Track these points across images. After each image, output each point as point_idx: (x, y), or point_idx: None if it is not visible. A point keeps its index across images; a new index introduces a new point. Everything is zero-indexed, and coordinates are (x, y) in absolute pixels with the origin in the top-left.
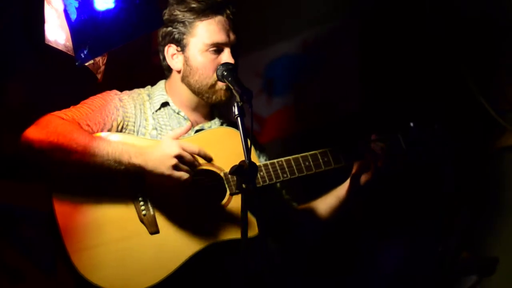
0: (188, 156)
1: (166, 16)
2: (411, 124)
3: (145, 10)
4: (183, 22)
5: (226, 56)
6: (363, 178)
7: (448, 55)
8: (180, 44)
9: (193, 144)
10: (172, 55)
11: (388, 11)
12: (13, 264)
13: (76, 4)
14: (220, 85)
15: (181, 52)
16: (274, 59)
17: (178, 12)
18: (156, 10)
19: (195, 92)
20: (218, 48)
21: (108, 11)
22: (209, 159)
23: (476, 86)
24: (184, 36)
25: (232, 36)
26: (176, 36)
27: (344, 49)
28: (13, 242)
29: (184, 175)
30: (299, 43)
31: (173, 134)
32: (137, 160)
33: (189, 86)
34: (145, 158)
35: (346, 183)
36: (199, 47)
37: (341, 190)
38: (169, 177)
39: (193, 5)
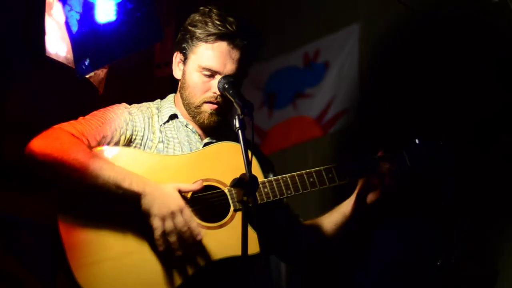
0: (183, 217)
1: (186, 22)
2: (417, 141)
3: (146, 23)
4: (191, 36)
5: (215, 84)
6: (370, 197)
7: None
8: (184, 55)
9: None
10: (178, 63)
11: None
12: (12, 272)
13: (78, 17)
14: (206, 108)
15: (183, 63)
16: (275, 72)
17: (193, 25)
18: (157, 23)
19: (185, 106)
20: (211, 73)
21: (109, 24)
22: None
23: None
24: (188, 50)
25: (230, 67)
26: (183, 46)
27: (345, 61)
28: (13, 251)
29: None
30: (300, 56)
31: (183, 187)
32: (137, 188)
33: (182, 99)
34: (144, 188)
35: (351, 200)
36: (194, 66)
37: (347, 207)
38: (155, 223)
39: (209, 28)
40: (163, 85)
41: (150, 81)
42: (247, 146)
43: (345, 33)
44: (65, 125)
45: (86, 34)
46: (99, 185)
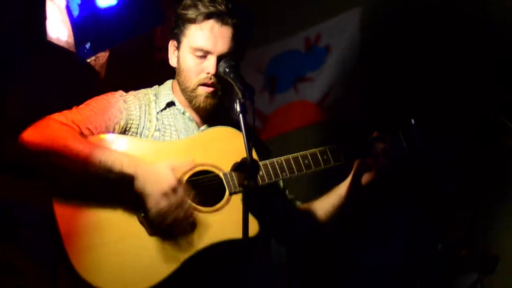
0: (178, 194)
1: (179, 8)
2: (412, 121)
3: (147, 7)
4: (183, 20)
5: (208, 64)
6: (365, 178)
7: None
8: (177, 41)
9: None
10: (173, 50)
11: (392, 8)
12: (13, 262)
13: (79, 1)
14: (201, 91)
15: (177, 49)
16: (276, 56)
17: (184, 8)
18: (158, 7)
19: (182, 92)
20: (203, 54)
21: (110, 8)
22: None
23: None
24: (180, 34)
25: (221, 46)
26: (176, 31)
27: (346, 46)
28: (13, 240)
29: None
30: (301, 40)
31: (173, 164)
32: (128, 169)
33: (179, 85)
34: (136, 169)
35: (347, 181)
36: (187, 48)
37: (343, 188)
38: (147, 199)
39: (199, 8)
40: (163, 69)
41: (151, 65)
42: (248, 130)
43: (346, 17)
44: (56, 115)
45: (87, 18)
46: (91, 171)
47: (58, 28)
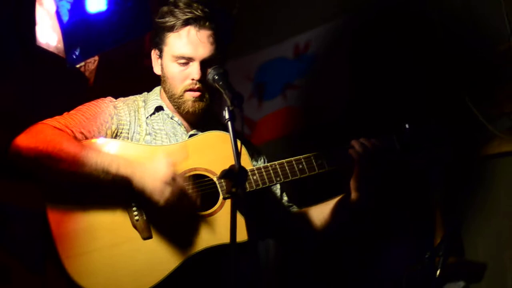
0: (178, 182)
1: (156, 17)
2: (406, 126)
3: (136, 13)
4: (162, 29)
5: (192, 70)
6: (364, 181)
7: (439, 61)
8: (159, 49)
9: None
10: (156, 59)
11: (381, 16)
12: (1, 261)
13: (68, 6)
14: (187, 96)
15: (160, 58)
16: (265, 63)
17: (161, 17)
18: (147, 13)
19: (169, 99)
20: (186, 61)
21: (100, 14)
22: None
23: (465, 92)
24: (161, 43)
25: (202, 50)
26: (157, 40)
27: (335, 53)
28: (2, 240)
29: (166, 199)
30: (290, 47)
31: (168, 155)
32: (125, 170)
33: (165, 92)
34: (133, 170)
35: (351, 185)
36: (169, 57)
37: (346, 196)
38: (150, 197)
39: (175, 16)
40: (152, 75)
41: (140, 71)
42: (237, 137)
43: (335, 25)
44: (48, 120)
45: (76, 24)
46: (87, 173)
47: (48, 34)
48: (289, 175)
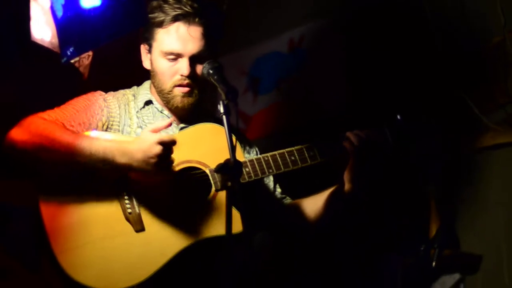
0: (168, 150)
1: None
2: (398, 117)
3: (131, 7)
4: (151, 24)
5: (181, 66)
6: (356, 172)
7: (433, 54)
8: (148, 44)
9: (171, 137)
10: (145, 53)
11: (375, 10)
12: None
13: (62, 1)
14: (177, 92)
15: (149, 53)
16: (260, 58)
17: (151, 12)
18: (142, 7)
19: (158, 94)
20: (175, 57)
21: (94, 9)
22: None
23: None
24: (150, 38)
25: (191, 46)
26: (146, 36)
27: (330, 48)
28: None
29: (166, 174)
30: (285, 41)
31: (153, 127)
32: (121, 159)
33: (154, 87)
34: (129, 157)
35: (345, 182)
36: (158, 52)
37: (339, 186)
38: (154, 175)
39: (164, 11)
40: (146, 69)
41: (135, 65)
42: (231, 130)
43: (330, 19)
44: (39, 114)
45: (71, 19)
46: (82, 162)
47: (42, 29)
48: (282, 166)
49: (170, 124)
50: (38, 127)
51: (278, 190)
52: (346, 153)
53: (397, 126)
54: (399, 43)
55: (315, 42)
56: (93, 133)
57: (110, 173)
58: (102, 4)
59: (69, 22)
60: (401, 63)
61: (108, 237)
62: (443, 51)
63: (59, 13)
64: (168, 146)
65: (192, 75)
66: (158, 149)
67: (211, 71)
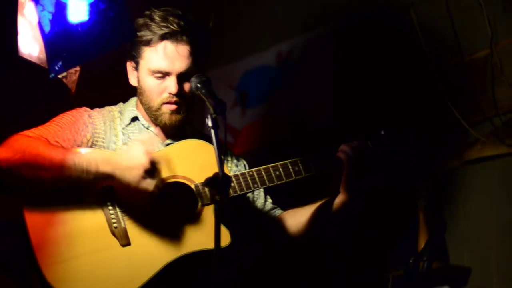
0: (154, 165)
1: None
2: (382, 132)
3: (118, 23)
4: (138, 42)
5: (169, 84)
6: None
7: (422, 67)
8: (135, 62)
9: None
10: (132, 70)
11: (363, 23)
12: None
13: (50, 17)
14: (164, 109)
15: (135, 70)
16: (248, 71)
17: (137, 30)
18: (129, 23)
19: (146, 111)
20: (162, 75)
21: (82, 24)
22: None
23: (447, 97)
24: (137, 56)
25: (179, 65)
26: (132, 53)
27: (318, 61)
28: None
29: (151, 185)
30: (273, 55)
31: (140, 140)
32: (104, 168)
33: (142, 104)
34: (112, 166)
35: (341, 192)
36: (145, 70)
37: (329, 201)
38: (136, 187)
39: (152, 30)
40: (132, 86)
41: (122, 81)
42: (220, 145)
43: (318, 32)
44: (23, 132)
45: (59, 34)
46: (66, 175)
47: (30, 44)
48: (267, 181)
49: (154, 137)
50: (21, 144)
51: (269, 201)
52: (340, 165)
53: (381, 141)
54: (387, 56)
55: (303, 55)
56: (80, 150)
57: (94, 184)
58: (90, 19)
59: (57, 37)
60: (389, 75)
61: (94, 251)
62: (431, 63)
63: (47, 28)
64: (153, 160)
65: (180, 92)
66: (143, 160)
67: (199, 85)
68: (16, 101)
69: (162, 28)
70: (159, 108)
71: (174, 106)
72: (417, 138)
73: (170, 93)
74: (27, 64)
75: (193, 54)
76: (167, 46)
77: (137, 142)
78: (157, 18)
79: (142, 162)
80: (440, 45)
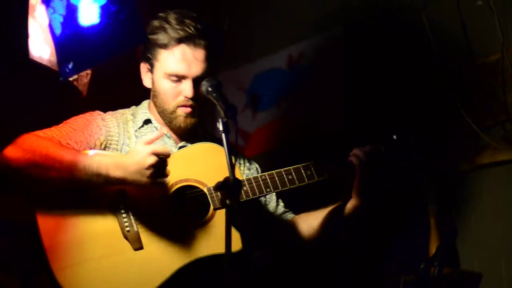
0: (162, 161)
1: (147, 30)
2: (394, 137)
3: (129, 26)
4: (153, 44)
5: (185, 87)
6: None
7: (433, 72)
8: (150, 64)
9: (165, 148)
10: (146, 72)
11: (374, 27)
12: None
13: (61, 19)
14: (180, 112)
15: (150, 72)
16: (259, 74)
17: (153, 32)
18: (140, 26)
19: (160, 113)
20: (178, 78)
21: (92, 27)
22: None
23: (459, 102)
24: (152, 59)
25: (195, 68)
26: (147, 55)
27: (329, 64)
28: None
29: (163, 181)
30: (284, 58)
31: (146, 139)
32: (115, 173)
33: (156, 106)
34: (123, 171)
35: (354, 197)
36: (161, 73)
37: (341, 205)
38: (149, 187)
39: (168, 33)
40: (145, 88)
41: (133, 84)
42: (230, 149)
43: (330, 35)
44: (34, 132)
45: (69, 37)
46: (76, 177)
47: (41, 47)
48: (279, 185)
49: (161, 135)
50: (31, 143)
51: (281, 204)
52: (352, 169)
53: (393, 146)
54: (398, 59)
55: (314, 58)
56: (90, 152)
57: (106, 188)
58: (101, 22)
59: (68, 40)
60: (400, 79)
61: (106, 255)
62: (442, 67)
63: (58, 31)
64: (162, 156)
65: (195, 96)
66: (152, 159)
67: (210, 89)
68: (27, 103)
69: (179, 32)
70: (174, 111)
71: (189, 109)
72: (428, 143)
73: (186, 97)
74: (38, 67)
75: (209, 58)
76: (184, 50)
77: (141, 143)
78: (173, 21)
79: (150, 162)
80: (451, 49)
